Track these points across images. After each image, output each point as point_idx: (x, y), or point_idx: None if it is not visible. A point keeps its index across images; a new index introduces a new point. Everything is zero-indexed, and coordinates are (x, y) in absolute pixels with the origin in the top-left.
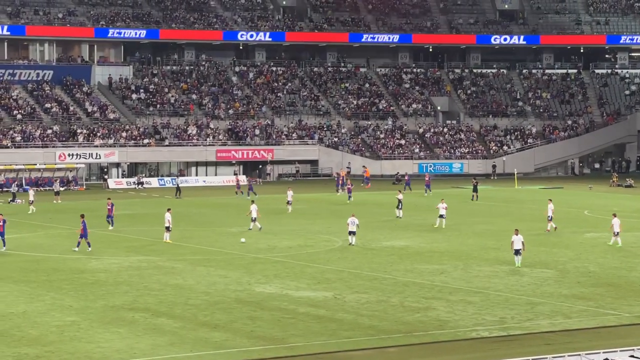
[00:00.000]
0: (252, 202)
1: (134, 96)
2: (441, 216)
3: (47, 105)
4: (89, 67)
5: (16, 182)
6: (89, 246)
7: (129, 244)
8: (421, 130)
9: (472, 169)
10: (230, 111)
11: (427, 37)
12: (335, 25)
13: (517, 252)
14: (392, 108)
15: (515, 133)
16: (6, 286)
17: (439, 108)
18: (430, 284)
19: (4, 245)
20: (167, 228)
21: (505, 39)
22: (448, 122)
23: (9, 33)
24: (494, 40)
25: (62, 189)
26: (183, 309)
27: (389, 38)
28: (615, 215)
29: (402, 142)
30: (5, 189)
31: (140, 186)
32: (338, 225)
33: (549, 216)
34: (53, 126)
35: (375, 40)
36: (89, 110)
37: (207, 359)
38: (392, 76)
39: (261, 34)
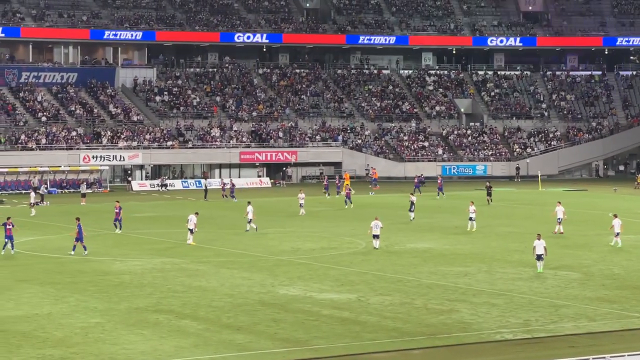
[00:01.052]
0: (249, 203)
1: (157, 98)
2: (471, 219)
3: (72, 107)
4: (113, 70)
5: (45, 185)
6: (85, 250)
7: (152, 246)
8: (444, 133)
9: (495, 171)
10: (254, 113)
11: (449, 39)
12: (359, 27)
13: (539, 257)
14: (415, 110)
15: (539, 135)
16: (31, 288)
17: (462, 110)
18: (454, 286)
19: (12, 248)
20: (191, 230)
21: (527, 41)
22: (471, 124)
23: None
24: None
25: (88, 190)
26: (207, 311)
27: (411, 40)
28: (616, 216)
29: (426, 144)
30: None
31: (163, 188)
32: (362, 228)
33: (558, 218)
34: (77, 128)
35: (398, 42)
36: (113, 112)
37: None
38: (416, 78)
39: (283, 35)
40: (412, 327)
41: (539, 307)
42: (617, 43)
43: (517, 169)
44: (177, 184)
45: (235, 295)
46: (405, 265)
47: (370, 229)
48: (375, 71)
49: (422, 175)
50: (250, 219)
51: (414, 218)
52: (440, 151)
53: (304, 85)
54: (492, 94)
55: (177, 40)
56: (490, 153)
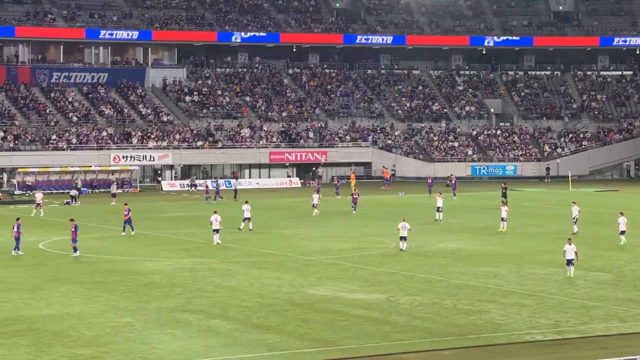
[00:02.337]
0: (246, 202)
1: (187, 98)
2: (502, 219)
3: (102, 107)
4: (143, 70)
5: (75, 185)
6: (75, 251)
7: (182, 246)
8: (474, 133)
9: (525, 171)
10: (284, 113)
11: (482, 39)
12: (389, 27)
13: (569, 262)
14: (445, 110)
15: (570, 135)
16: (62, 287)
17: (492, 110)
18: (483, 287)
19: (16, 249)
20: (217, 230)
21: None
22: (501, 124)
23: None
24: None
25: (119, 190)
26: (236, 311)
27: (441, 40)
28: (622, 214)
29: (455, 144)
30: (62, 191)
31: (193, 188)
32: (391, 228)
33: (574, 218)
34: (107, 128)
35: (428, 42)
36: (143, 112)
37: None
38: (446, 78)
39: (315, 36)
40: (442, 328)
41: (569, 308)
42: None
43: (547, 169)
44: (208, 184)
45: (265, 295)
46: (435, 266)
47: (398, 230)
48: (405, 71)
49: (451, 175)
50: (247, 217)
51: (441, 219)
52: (469, 151)
53: (333, 86)
54: (522, 94)
55: (207, 41)
56: (520, 153)
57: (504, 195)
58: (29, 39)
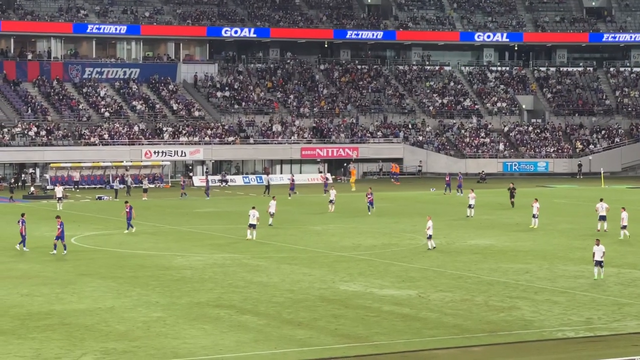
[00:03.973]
0: (273, 197)
1: (219, 94)
2: (534, 216)
3: (134, 103)
4: (174, 65)
5: (118, 179)
6: (64, 248)
7: (213, 241)
8: (506, 129)
9: (557, 167)
10: (315, 109)
11: (513, 35)
12: (420, 23)
13: (597, 263)
14: (476, 106)
15: (602, 132)
16: (94, 282)
17: (524, 106)
18: (515, 283)
19: (21, 243)
20: (253, 226)
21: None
22: (533, 120)
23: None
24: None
25: (151, 186)
26: (267, 307)
27: (472, 36)
28: (624, 209)
29: (487, 140)
30: (94, 186)
31: (224, 184)
32: (423, 224)
33: (601, 215)
34: (139, 124)
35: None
36: (175, 108)
37: (291, 357)
38: (477, 74)
39: (348, 32)
40: (473, 324)
41: (601, 305)
42: None
43: (579, 166)
44: (238, 180)
45: (296, 291)
46: (466, 262)
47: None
48: (437, 67)
49: (482, 171)
50: (273, 213)
51: (472, 215)
52: (501, 147)
53: (365, 82)
54: (554, 90)
55: (239, 37)
56: (552, 150)
57: (512, 196)
58: (61, 34)
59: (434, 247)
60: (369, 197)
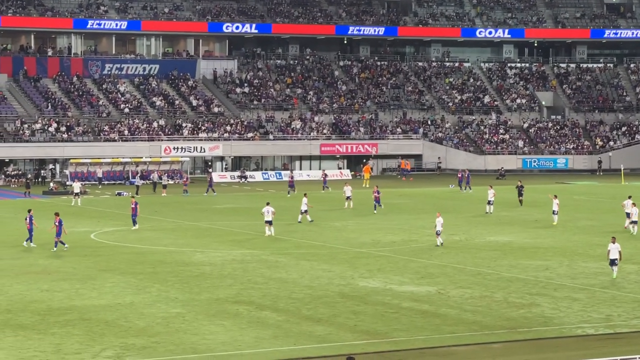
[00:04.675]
0: (305, 194)
1: (238, 90)
2: (554, 212)
3: (153, 99)
4: (194, 62)
5: (139, 175)
6: (63, 244)
7: (233, 237)
8: (525, 125)
9: (577, 164)
10: (335, 105)
11: (532, 31)
12: (440, 19)
13: (612, 262)
14: (496, 103)
15: (622, 128)
16: (114, 277)
17: (543, 103)
18: (534, 280)
19: (29, 240)
20: (270, 222)
21: (615, 33)
22: (553, 117)
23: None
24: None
25: (170, 182)
26: (286, 303)
27: (494, 33)
28: (634, 205)
29: (506, 137)
30: (113, 181)
31: (243, 180)
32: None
33: (628, 213)
34: (159, 120)
35: (480, 34)
36: (194, 104)
37: (311, 353)
38: (497, 71)
39: (367, 28)
40: (492, 321)
41: (621, 302)
42: None
43: (599, 162)
44: (257, 176)
45: (315, 287)
46: (485, 259)
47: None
48: (456, 64)
49: (502, 168)
50: (305, 210)
51: (492, 211)
52: (520, 144)
53: (384, 78)
54: (574, 86)
55: (260, 33)
56: (571, 146)
57: (520, 194)
58: (83, 30)
59: (442, 244)
60: (375, 195)
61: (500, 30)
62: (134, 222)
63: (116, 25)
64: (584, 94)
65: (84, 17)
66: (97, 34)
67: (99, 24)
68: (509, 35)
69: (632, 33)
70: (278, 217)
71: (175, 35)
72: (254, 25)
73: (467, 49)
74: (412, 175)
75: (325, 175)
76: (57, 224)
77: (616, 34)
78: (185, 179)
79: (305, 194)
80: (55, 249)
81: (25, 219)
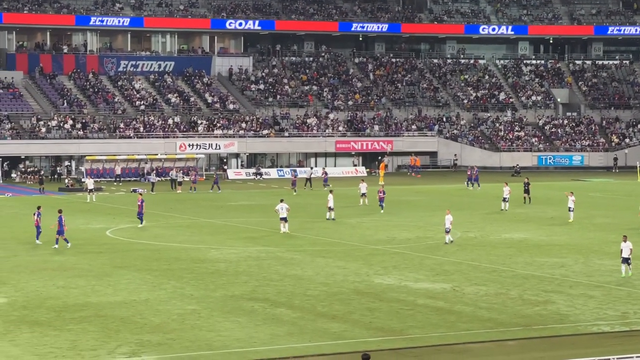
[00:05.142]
0: (330, 191)
1: (253, 87)
2: (570, 209)
3: (168, 96)
4: (209, 58)
5: (155, 172)
6: (66, 242)
7: (248, 234)
8: (541, 123)
9: (592, 161)
10: (350, 102)
11: (547, 28)
12: (455, 16)
13: (625, 260)
14: (511, 100)
15: (638, 125)
16: (129, 274)
17: (559, 100)
18: (550, 277)
19: (37, 237)
20: (284, 219)
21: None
22: (568, 114)
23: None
24: (616, 31)
25: (185, 179)
26: (302, 300)
27: (509, 29)
28: None
29: (521, 134)
30: (127, 178)
31: (259, 177)
32: (457, 217)
33: None
34: (174, 117)
35: (495, 31)
36: (209, 101)
37: (326, 349)
38: (512, 68)
39: (380, 25)
40: (508, 318)
41: (637, 299)
42: None
43: (615, 159)
44: (273, 173)
45: (331, 284)
46: (501, 256)
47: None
48: (471, 61)
49: (517, 165)
50: (331, 207)
51: (507, 209)
52: (536, 141)
53: (399, 75)
54: (590, 83)
55: (277, 30)
56: (587, 143)
57: (527, 191)
58: (97, 27)
59: (452, 241)
60: (380, 196)
61: (503, 27)
62: (141, 220)
63: (119, 22)
64: (599, 90)
65: (99, 14)
66: (113, 31)
67: (102, 21)
68: (512, 32)
69: None
70: (292, 214)
71: (190, 32)
72: (257, 22)
73: (482, 45)
74: (428, 172)
75: (326, 173)
76: (58, 220)
77: (635, 31)
78: (193, 176)
79: (331, 191)
80: (56, 245)
81: (34, 215)
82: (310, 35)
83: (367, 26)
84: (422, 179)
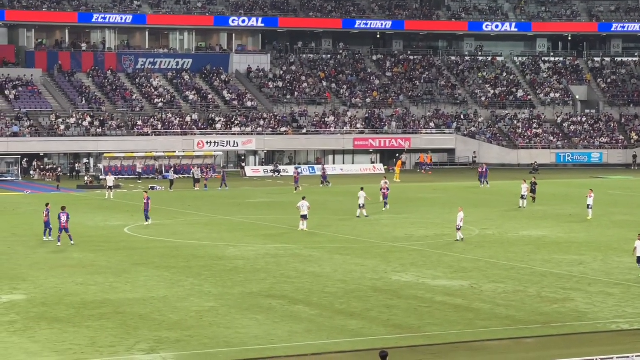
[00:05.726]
0: (361, 189)
1: (271, 84)
2: (589, 207)
3: (186, 93)
4: (227, 56)
5: (173, 169)
6: (70, 239)
7: (266, 231)
8: (559, 120)
9: (611, 159)
10: (368, 100)
11: (565, 25)
12: (473, 14)
13: (639, 259)
14: (529, 97)
15: None
16: (148, 271)
17: (577, 97)
18: (568, 275)
19: (45, 234)
20: (304, 217)
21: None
22: (587, 111)
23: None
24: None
25: (203, 176)
26: (320, 297)
27: (500, 27)
28: None
29: (540, 131)
30: (147, 176)
31: (277, 174)
32: (475, 215)
33: None
34: (192, 114)
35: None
36: (227, 98)
37: (344, 347)
38: (530, 65)
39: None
40: (526, 316)
41: None
42: None
43: (634, 157)
44: (291, 170)
45: (348, 281)
46: (519, 253)
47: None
48: (489, 58)
49: (535, 162)
50: (363, 204)
51: (525, 206)
52: (554, 138)
53: (417, 72)
54: (609, 80)
55: (295, 27)
56: (606, 141)
57: (533, 191)
58: (115, 24)
59: (462, 239)
60: (384, 192)
61: (507, 24)
62: (147, 218)
63: (121, 19)
64: (618, 87)
65: (117, 12)
66: (131, 29)
67: (104, 18)
68: (516, 29)
69: None
70: (311, 211)
71: (208, 30)
72: (260, 19)
73: (500, 42)
74: (446, 170)
75: (324, 170)
76: (63, 216)
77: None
78: (206, 174)
79: (362, 188)
80: (59, 243)
81: (44, 212)
82: (328, 32)
83: (371, 23)
84: (440, 176)
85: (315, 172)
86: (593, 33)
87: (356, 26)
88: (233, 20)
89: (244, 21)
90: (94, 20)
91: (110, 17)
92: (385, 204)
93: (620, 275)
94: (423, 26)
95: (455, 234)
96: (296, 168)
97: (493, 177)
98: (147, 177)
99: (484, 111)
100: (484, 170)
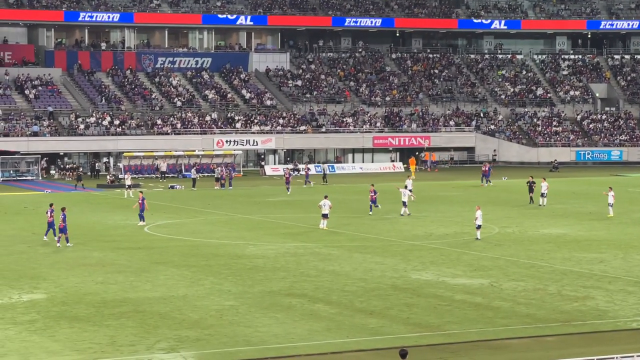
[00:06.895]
0: (372, 185)
1: (290, 83)
2: (610, 204)
3: (206, 92)
4: (246, 55)
5: (195, 168)
6: (67, 242)
7: (286, 230)
8: (579, 118)
9: (631, 156)
10: (387, 98)
11: (511, 22)
12: (492, 12)
13: None
14: (549, 95)
15: None
16: (168, 270)
17: (597, 95)
18: (588, 273)
19: (45, 234)
20: (325, 215)
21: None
22: (607, 109)
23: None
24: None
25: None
26: (339, 295)
27: (545, 24)
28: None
29: (559, 129)
30: (167, 175)
31: (296, 173)
32: (494, 213)
33: None
34: (211, 113)
35: (531, 26)
36: (246, 97)
37: (364, 345)
38: (550, 63)
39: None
40: (546, 314)
41: None
42: None
43: None
44: (310, 169)
45: (368, 279)
46: (539, 251)
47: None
48: (509, 56)
49: (555, 160)
50: (405, 202)
51: (545, 204)
52: (574, 136)
53: (437, 70)
54: (629, 78)
55: (312, 25)
56: (626, 138)
57: (531, 190)
58: (135, 24)
59: (479, 239)
60: (371, 196)
61: (505, 22)
62: (141, 218)
63: (109, 17)
64: (638, 85)
65: (135, 11)
66: (150, 28)
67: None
68: (517, 28)
69: None
70: (333, 210)
71: (227, 29)
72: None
73: (519, 40)
74: (465, 168)
75: (308, 169)
76: (62, 217)
77: None
78: (222, 173)
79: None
80: (59, 244)
81: (47, 212)
82: (347, 30)
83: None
84: (459, 174)
85: (335, 170)
86: (613, 30)
87: (373, 24)
88: (252, 19)
89: (263, 20)
90: (112, 19)
91: (129, 17)
92: (374, 207)
93: None
94: (418, 24)
95: (475, 232)
96: (306, 164)
97: (512, 175)
98: (167, 175)
99: (503, 109)
100: (487, 169)
